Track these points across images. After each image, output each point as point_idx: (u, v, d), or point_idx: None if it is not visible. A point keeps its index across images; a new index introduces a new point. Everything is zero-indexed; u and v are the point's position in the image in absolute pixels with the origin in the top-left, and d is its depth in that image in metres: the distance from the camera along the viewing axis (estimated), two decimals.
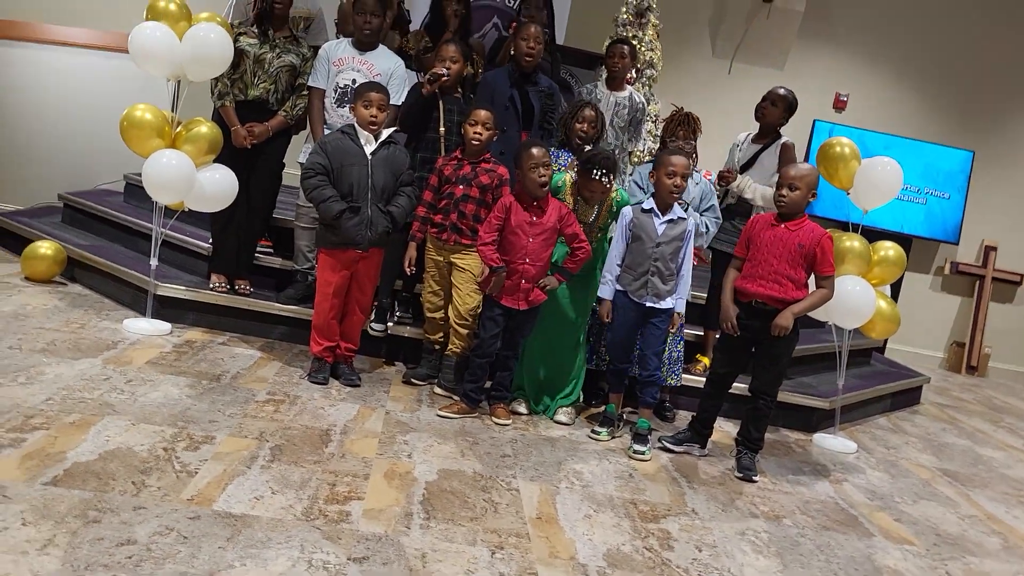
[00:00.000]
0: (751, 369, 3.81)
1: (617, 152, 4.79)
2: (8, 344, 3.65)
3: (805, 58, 7.59)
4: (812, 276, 3.68)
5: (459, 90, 4.33)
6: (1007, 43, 7.67)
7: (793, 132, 6.50)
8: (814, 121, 7.49)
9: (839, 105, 7.74)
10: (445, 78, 4.11)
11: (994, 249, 7.83)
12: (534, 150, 3.74)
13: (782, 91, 4.59)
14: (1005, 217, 7.85)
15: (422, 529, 2.65)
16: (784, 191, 3.61)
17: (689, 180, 4.14)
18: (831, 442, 4.47)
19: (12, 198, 6.39)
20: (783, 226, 3.63)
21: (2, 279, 4.72)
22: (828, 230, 4.47)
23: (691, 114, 4.22)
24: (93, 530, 2.28)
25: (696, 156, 4.32)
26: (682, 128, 4.18)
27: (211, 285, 4.52)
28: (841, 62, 7.68)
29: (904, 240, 7.26)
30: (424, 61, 4.64)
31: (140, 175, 4.23)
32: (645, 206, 3.81)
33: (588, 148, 4.04)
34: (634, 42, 6.16)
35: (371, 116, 3.83)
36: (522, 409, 4.05)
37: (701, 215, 4.16)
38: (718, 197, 4.46)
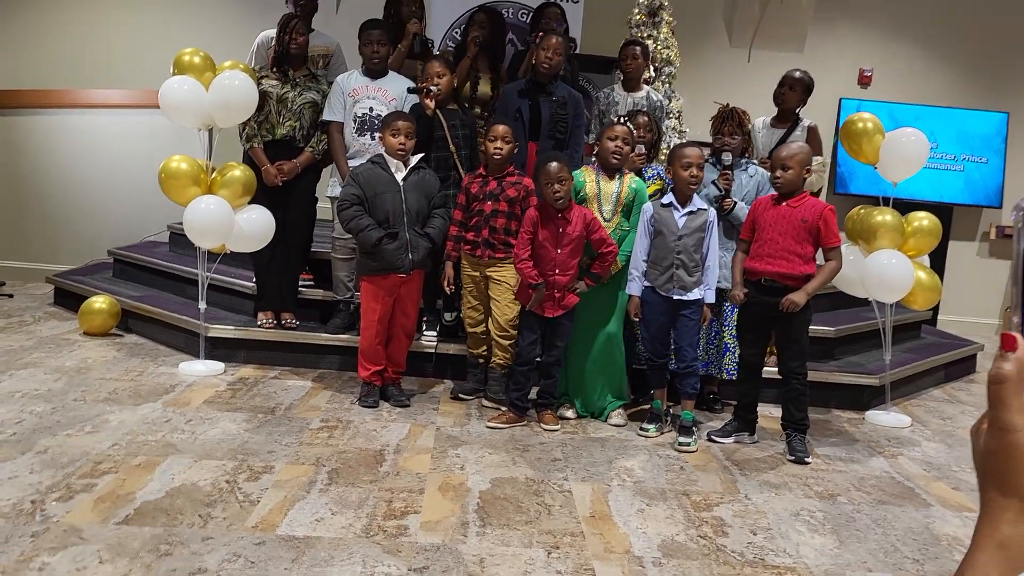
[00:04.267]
0: (777, 352, 3.86)
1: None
2: (73, 397, 3.83)
3: (824, 38, 7.55)
4: (819, 251, 3.74)
5: (455, 103, 4.42)
6: None
7: (820, 112, 6.51)
8: (840, 100, 7.44)
9: (864, 81, 7.67)
10: (435, 92, 4.21)
11: None
12: (550, 166, 3.80)
13: (797, 74, 4.59)
14: None
15: (478, 536, 2.72)
16: (778, 172, 3.67)
17: (743, 173, 4.19)
18: (884, 418, 4.44)
19: (66, 258, 6.66)
20: (784, 204, 3.69)
21: (63, 336, 4.93)
22: (861, 206, 4.49)
23: (736, 109, 4.21)
24: (166, 563, 2.39)
25: (751, 149, 4.35)
26: (727, 124, 4.19)
27: (259, 323, 4.67)
28: (861, 38, 7.62)
29: (945, 209, 7.17)
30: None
31: (182, 224, 4.40)
32: (664, 200, 3.86)
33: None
34: (649, 41, 6.21)
35: (400, 144, 3.95)
36: (570, 414, 4.10)
37: None
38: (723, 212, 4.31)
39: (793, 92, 4.58)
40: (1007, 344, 0.59)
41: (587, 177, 4.07)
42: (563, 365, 4.10)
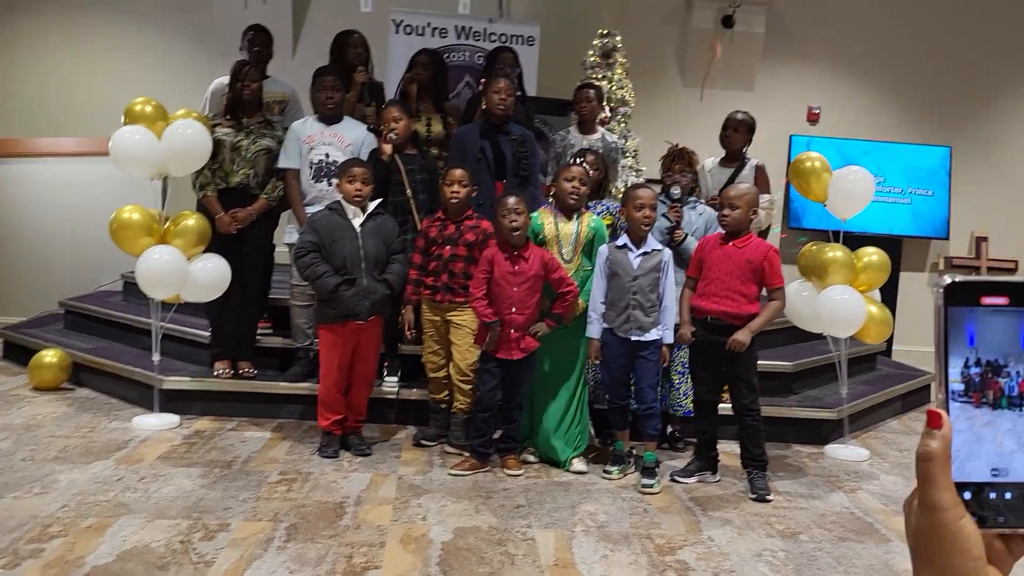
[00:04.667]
0: (729, 390, 3.90)
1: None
2: (21, 457, 3.72)
3: (773, 76, 7.73)
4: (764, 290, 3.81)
5: (413, 147, 4.45)
6: (971, 38, 7.80)
7: (771, 148, 6.64)
8: (790, 136, 7.61)
9: (812, 118, 7.85)
10: (395, 138, 4.23)
11: (985, 239, 7.87)
12: (509, 199, 3.84)
13: (740, 116, 4.71)
14: (991, 206, 7.90)
15: None
16: (726, 211, 3.75)
17: (692, 211, 4.26)
18: (843, 452, 4.48)
19: (17, 310, 6.50)
20: (731, 244, 3.75)
21: (12, 392, 4.80)
22: (813, 242, 4.58)
23: (685, 148, 4.32)
24: None
25: (698, 187, 4.43)
26: (677, 162, 4.29)
27: (215, 372, 4.59)
28: (808, 76, 7.82)
29: (894, 241, 7.33)
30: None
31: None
32: (619, 242, 3.89)
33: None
34: (604, 82, 6.32)
35: (356, 190, 3.95)
36: (532, 458, 4.08)
37: None
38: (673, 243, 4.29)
39: (738, 133, 4.69)
40: (933, 421, 0.59)
41: (545, 219, 4.09)
42: (526, 409, 4.08)
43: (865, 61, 7.79)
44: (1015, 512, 0.58)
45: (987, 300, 0.58)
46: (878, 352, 6.18)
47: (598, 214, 4.29)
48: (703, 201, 4.46)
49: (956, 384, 0.59)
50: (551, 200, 4.20)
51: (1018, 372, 0.58)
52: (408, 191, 4.32)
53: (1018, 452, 0.58)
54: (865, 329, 4.37)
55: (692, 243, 4.12)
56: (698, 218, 4.29)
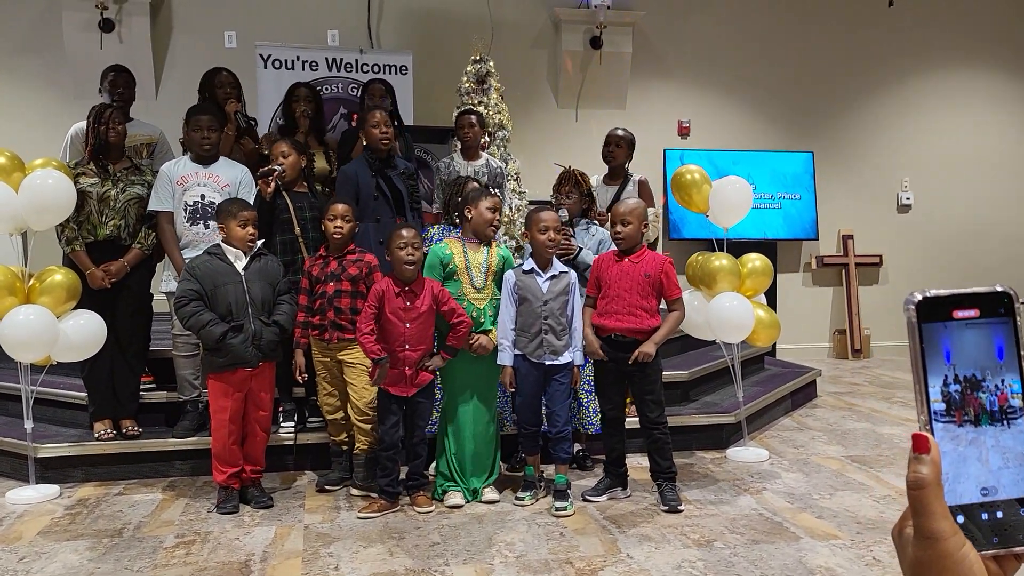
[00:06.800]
0: (636, 405, 3.93)
1: None
2: None
3: (643, 94, 7.96)
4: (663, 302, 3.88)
5: (304, 184, 4.33)
6: (824, 50, 8.26)
7: (647, 163, 6.81)
8: (664, 151, 7.84)
9: (683, 131, 8.12)
10: (279, 172, 4.10)
11: (851, 237, 8.32)
12: (404, 231, 3.76)
13: (620, 132, 4.82)
14: (853, 206, 8.38)
15: None
16: (619, 227, 3.80)
17: (584, 233, 4.30)
18: (744, 454, 4.60)
19: None
20: (626, 260, 3.80)
21: None
22: (699, 253, 4.70)
23: (575, 171, 4.38)
24: None
25: (594, 209, 4.48)
26: (564, 184, 4.34)
27: (96, 435, 4.30)
28: (676, 92, 8.09)
29: (769, 245, 7.65)
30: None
31: None
32: (526, 267, 3.87)
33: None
34: (480, 108, 6.34)
35: (250, 235, 3.81)
36: (458, 500, 3.88)
37: None
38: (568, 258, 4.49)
39: (619, 149, 4.80)
40: (920, 446, 0.57)
41: (454, 249, 3.99)
42: (454, 449, 3.96)
43: (728, 74, 8.13)
44: (1008, 531, 0.57)
45: (959, 314, 0.57)
46: (765, 353, 6.40)
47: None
48: (596, 222, 4.52)
49: (937, 404, 0.57)
50: (439, 227, 4.15)
51: (996, 386, 0.57)
52: (297, 229, 4.19)
53: (1005, 468, 0.57)
54: (755, 333, 4.51)
55: (588, 256, 4.15)
56: (591, 239, 4.33)
